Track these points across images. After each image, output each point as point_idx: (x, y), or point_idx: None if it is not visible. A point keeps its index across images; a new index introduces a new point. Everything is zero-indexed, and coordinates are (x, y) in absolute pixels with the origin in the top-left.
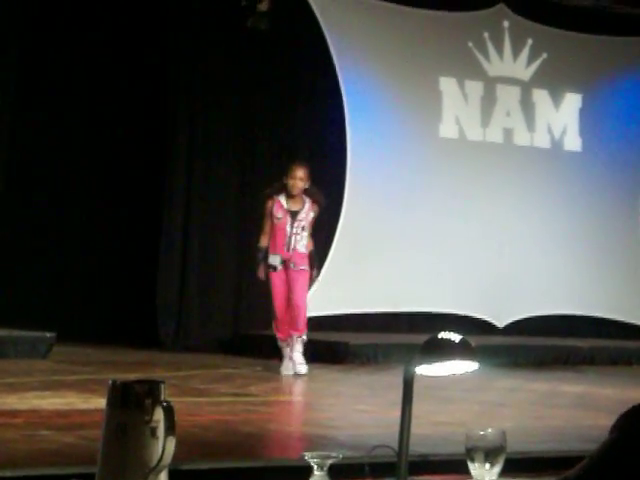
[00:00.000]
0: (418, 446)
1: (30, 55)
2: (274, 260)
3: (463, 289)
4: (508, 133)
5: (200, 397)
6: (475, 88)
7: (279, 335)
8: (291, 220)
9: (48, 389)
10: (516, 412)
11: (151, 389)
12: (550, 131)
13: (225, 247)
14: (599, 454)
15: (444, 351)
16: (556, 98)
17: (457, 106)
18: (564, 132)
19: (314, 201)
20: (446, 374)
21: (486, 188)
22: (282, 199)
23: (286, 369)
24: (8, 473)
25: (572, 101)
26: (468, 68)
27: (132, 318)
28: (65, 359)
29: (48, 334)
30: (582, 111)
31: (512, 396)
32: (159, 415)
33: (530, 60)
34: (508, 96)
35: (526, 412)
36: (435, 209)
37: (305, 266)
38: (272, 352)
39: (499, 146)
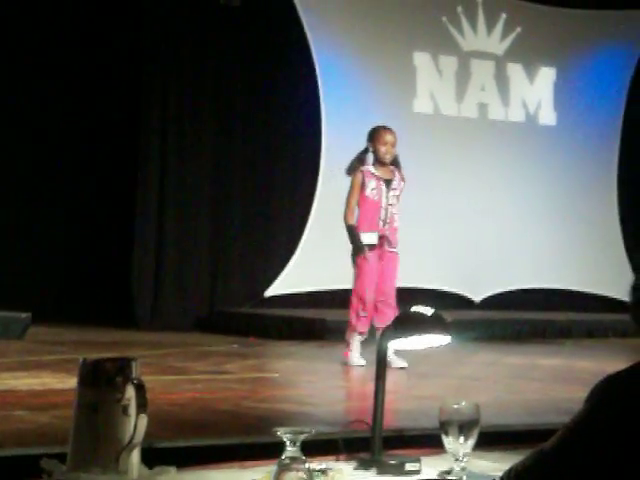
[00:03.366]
0: (395, 421)
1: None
2: (370, 239)
3: (439, 264)
4: (483, 108)
5: (176, 375)
6: (449, 63)
7: (360, 328)
8: (386, 190)
9: (23, 369)
10: (493, 386)
11: (122, 367)
12: (525, 105)
13: (200, 225)
14: (574, 424)
15: (416, 325)
16: (530, 72)
17: (431, 81)
18: (539, 106)
19: (399, 169)
20: (419, 348)
21: (461, 163)
22: (371, 168)
23: (358, 359)
24: None
25: (546, 75)
26: (442, 43)
27: (108, 298)
28: (40, 339)
29: (23, 315)
30: (557, 85)
31: (489, 370)
32: (130, 393)
33: (504, 34)
34: (482, 71)
35: (503, 386)
36: (409, 185)
37: (397, 248)
38: (248, 329)
39: (474, 121)
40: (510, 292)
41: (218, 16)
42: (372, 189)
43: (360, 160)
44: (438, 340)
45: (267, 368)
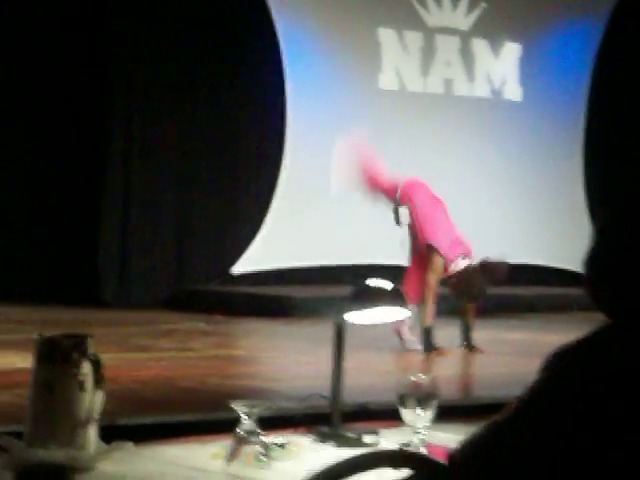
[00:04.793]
0: (360, 395)
1: None
2: None
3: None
4: (448, 83)
5: (141, 353)
6: (414, 39)
7: None
8: None
9: None
10: (459, 360)
11: (78, 343)
12: (490, 81)
13: (166, 203)
14: (528, 395)
15: (373, 298)
16: (496, 47)
17: (396, 57)
18: (504, 82)
19: None
20: (379, 321)
21: (426, 138)
22: None
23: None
24: None
25: (512, 50)
26: (407, 19)
27: (74, 277)
28: (6, 319)
29: None
30: (522, 60)
31: (456, 344)
32: (87, 369)
33: (469, 9)
34: (448, 46)
35: (469, 360)
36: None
37: None
38: (214, 307)
39: (439, 96)
40: None
41: None
42: None
43: None
44: (396, 313)
45: (233, 345)
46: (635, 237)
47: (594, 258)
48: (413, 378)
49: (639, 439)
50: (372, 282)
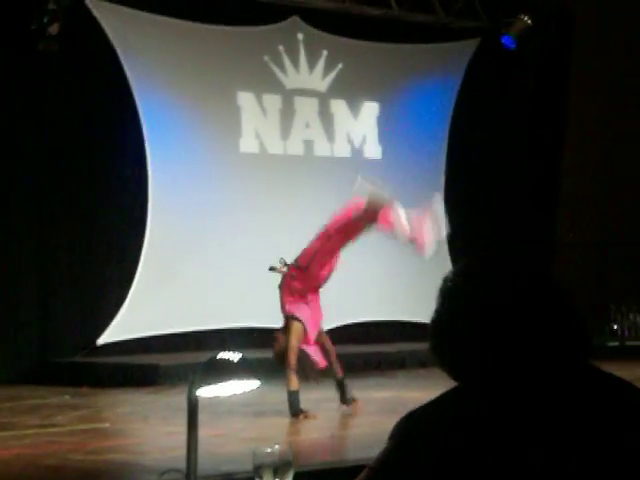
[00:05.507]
0: (225, 464)
1: None
2: None
3: (264, 302)
4: (308, 145)
5: (3, 431)
6: (273, 101)
7: None
8: None
9: None
10: (324, 423)
11: None
12: (350, 140)
13: (27, 274)
14: (377, 463)
15: (223, 372)
16: (354, 107)
17: (256, 120)
18: (364, 141)
19: None
20: (229, 394)
21: (288, 200)
22: None
23: None
24: None
25: (370, 109)
26: (265, 82)
27: None
28: None
29: None
30: (380, 119)
31: (322, 406)
32: None
33: (326, 71)
34: (306, 108)
35: (334, 422)
36: (239, 223)
37: None
38: (80, 379)
39: (300, 158)
40: (341, 327)
41: (37, 62)
42: None
43: None
44: (246, 385)
45: (98, 418)
46: (473, 302)
47: (436, 321)
48: (268, 448)
49: None
50: (221, 355)
